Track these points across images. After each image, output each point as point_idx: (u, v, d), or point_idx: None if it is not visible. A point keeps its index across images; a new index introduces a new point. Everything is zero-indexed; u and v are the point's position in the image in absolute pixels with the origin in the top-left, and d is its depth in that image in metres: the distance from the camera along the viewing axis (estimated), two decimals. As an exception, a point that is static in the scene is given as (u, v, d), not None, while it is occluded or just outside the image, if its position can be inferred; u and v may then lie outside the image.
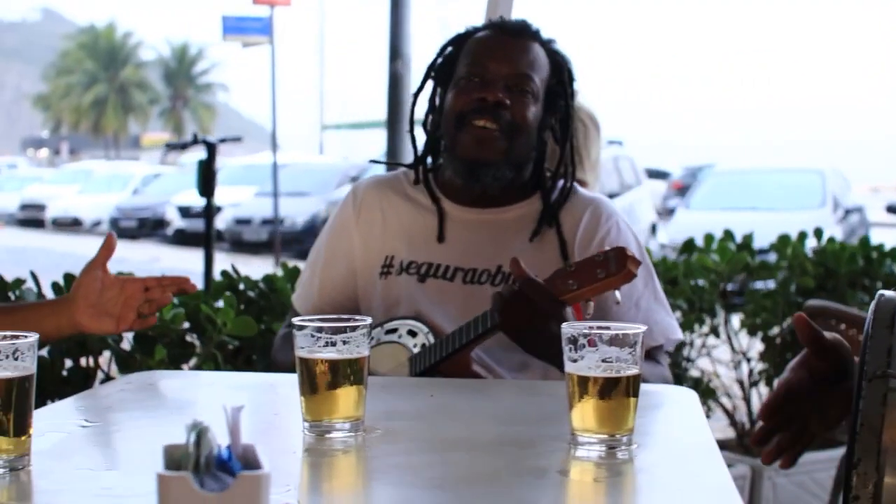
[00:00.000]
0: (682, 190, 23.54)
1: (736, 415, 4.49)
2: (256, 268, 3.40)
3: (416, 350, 2.29)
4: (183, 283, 2.26)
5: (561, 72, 2.50)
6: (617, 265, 2.02)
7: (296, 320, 1.70)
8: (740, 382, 4.43)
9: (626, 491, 1.49)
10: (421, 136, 2.60)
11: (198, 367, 3.01)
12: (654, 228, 16.45)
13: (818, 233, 4.51)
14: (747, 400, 4.45)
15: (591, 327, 1.60)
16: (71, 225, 27.42)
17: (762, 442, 1.78)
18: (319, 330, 1.67)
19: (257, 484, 0.98)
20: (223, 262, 3.61)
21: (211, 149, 6.96)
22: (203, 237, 6.96)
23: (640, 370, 1.60)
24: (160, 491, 0.97)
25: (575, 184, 2.53)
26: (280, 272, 3.39)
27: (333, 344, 1.66)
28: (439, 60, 2.54)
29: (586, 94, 6.36)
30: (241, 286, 3.31)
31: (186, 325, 3.08)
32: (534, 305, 2.09)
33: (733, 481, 4.36)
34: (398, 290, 2.43)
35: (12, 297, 2.95)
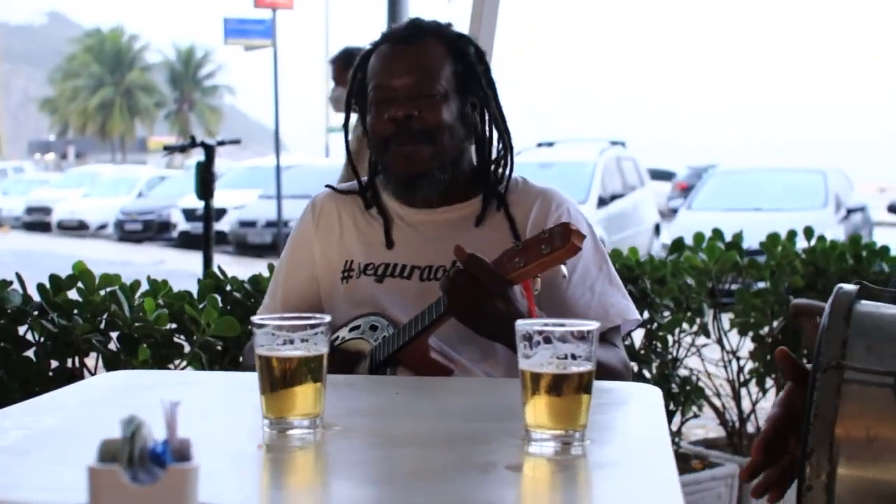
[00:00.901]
0: (687, 190, 23.51)
1: (726, 414, 4.49)
2: (261, 270, 3.43)
3: (375, 344, 2.32)
4: None
5: (464, 54, 2.51)
6: (561, 240, 2.04)
7: (255, 318, 1.72)
8: (731, 382, 4.44)
9: (567, 485, 1.50)
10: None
11: (185, 368, 3.03)
12: (657, 229, 16.46)
13: (808, 231, 4.51)
14: (738, 399, 4.46)
15: (545, 324, 1.62)
16: (76, 228, 27.48)
17: (751, 477, 1.76)
18: (279, 328, 1.69)
19: (185, 477, 1.00)
20: (227, 264, 3.64)
21: (209, 151, 6.97)
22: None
23: (594, 367, 1.61)
24: (90, 483, 0.99)
25: (525, 177, 2.57)
26: (267, 273, 3.40)
27: (292, 342, 1.68)
28: (355, 88, 2.57)
29: None
30: (228, 287, 3.33)
31: (174, 325, 3.11)
32: (479, 284, 2.12)
33: (722, 480, 4.31)
34: (360, 291, 2.47)
35: (-3, 299, 2.98)
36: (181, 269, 14.42)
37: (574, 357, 1.59)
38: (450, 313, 2.18)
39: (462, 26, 2.64)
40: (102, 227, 27.08)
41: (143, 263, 16.68)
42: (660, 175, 27.83)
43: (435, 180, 2.44)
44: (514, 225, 2.45)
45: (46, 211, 29.05)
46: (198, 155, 7.05)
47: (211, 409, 1.96)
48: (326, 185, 2.69)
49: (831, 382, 1.44)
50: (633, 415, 1.91)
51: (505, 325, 2.02)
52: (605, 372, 2.19)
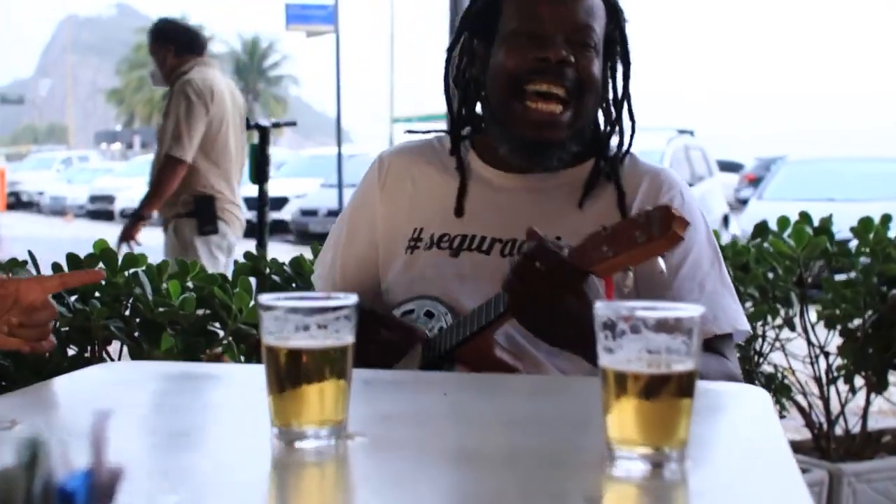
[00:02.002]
0: (755, 182, 23.15)
1: (812, 414, 4.11)
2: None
3: (431, 335, 1.96)
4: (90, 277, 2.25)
5: (617, 15, 2.16)
6: (660, 227, 1.62)
7: (262, 299, 1.34)
8: (817, 379, 4.06)
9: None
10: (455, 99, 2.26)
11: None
12: (726, 220, 16.16)
13: (903, 216, 4.13)
14: (825, 398, 4.08)
15: (633, 308, 1.25)
16: (139, 217, 27.46)
17: None
18: (293, 311, 1.32)
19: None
20: (288, 253, 3.34)
21: (263, 133, 6.71)
22: (269, 227, 6.76)
23: (697, 365, 1.25)
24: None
25: (635, 152, 2.18)
26: (309, 255, 3.13)
27: (307, 328, 1.31)
28: (475, 9, 2.19)
29: (211, 70, 6.18)
30: (267, 270, 3.05)
31: (208, 312, 2.82)
32: (548, 279, 1.73)
33: (808, 488, 3.93)
34: (424, 266, 2.11)
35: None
36: (239, 256, 14.24)
37: (670, 351, 1.22)
38: (511, 313, 1.81)
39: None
40: (164, 214, 27.04)
41: (202, 251, 16.49)
42: (728, 166, 27.43)
43: (565, 151, 2.09)
44: (623, 201, 2.08)
45: (110, 199, 29.12)
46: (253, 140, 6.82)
47: (213, 410, 1.63)
48: (407, 131, 2.33)
49: None
50: (737, 425, 1.54)
51: (580, 328, 1.61)
52: None
